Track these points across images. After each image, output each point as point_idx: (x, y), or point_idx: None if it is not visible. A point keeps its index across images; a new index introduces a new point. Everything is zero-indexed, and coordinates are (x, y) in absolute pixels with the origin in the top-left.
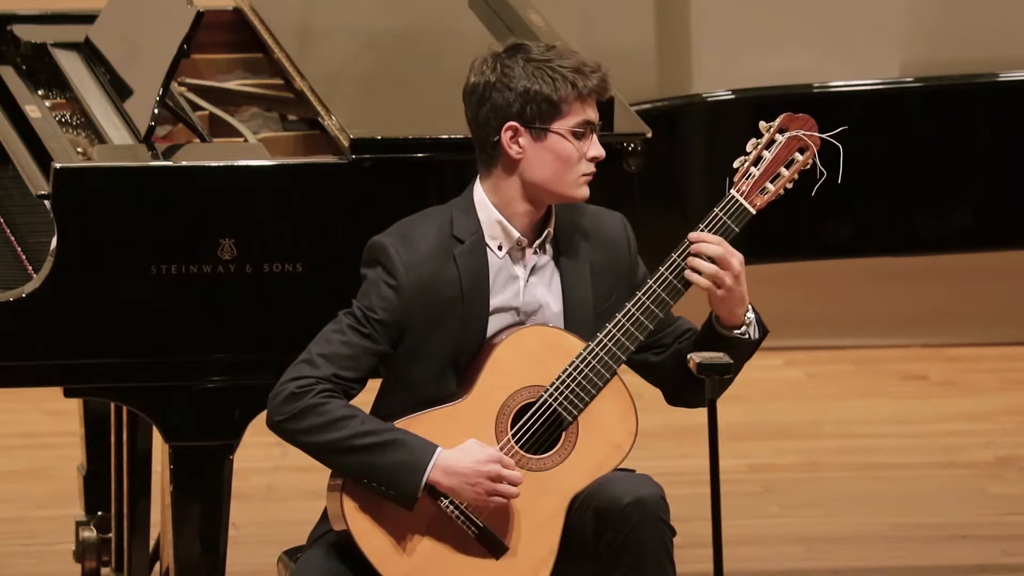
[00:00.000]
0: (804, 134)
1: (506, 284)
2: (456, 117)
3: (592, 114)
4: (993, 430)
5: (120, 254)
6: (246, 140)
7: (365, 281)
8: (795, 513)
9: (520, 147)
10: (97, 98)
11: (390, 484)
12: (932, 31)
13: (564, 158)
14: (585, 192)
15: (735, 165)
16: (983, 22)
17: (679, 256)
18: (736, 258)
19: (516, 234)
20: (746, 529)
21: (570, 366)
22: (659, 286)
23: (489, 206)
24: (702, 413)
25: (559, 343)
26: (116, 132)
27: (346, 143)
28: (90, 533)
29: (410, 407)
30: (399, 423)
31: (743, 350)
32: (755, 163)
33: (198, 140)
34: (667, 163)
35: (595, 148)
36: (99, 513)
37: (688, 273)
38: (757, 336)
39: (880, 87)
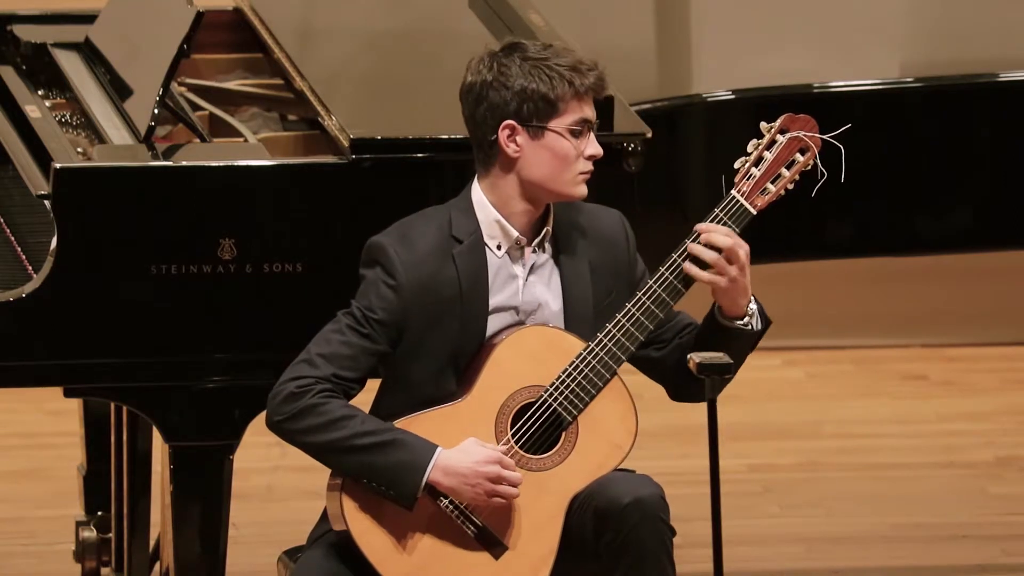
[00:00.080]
0: (805, 135)
1: (505, 283)
2: (456, 117)
3: (589, 112)
4: (993, 430)
5: (120, 254)
6: (246, 140)
7: (364, 281)
8: (795, 513)
9: (517, 146)
10: (97, 98)
11: (390, 484)
12: (932, 31)
13: (562, 156)
14: (583, 190)
15: (736, 165)
16: (983, 22)
17: (679, 256)
18: (743, 249)
19: (515, 233)
20: (746, 529)
21: (570, 366)
22: (659, 286)
23: (487, 205)
24: (702, 413)
25: (559, 343)
26: (116, 132)
27: (346, 143)
28: (90, 533)
29: (409, 407)
30: (399, 423)
31: (746, 341)
32: (756, 164)
33: (198, 140)
34: (667, 163)
35: (593, 146)
36: (99, 513)
37: (687, 266)
38: (760, 327)
39: (880, 87)
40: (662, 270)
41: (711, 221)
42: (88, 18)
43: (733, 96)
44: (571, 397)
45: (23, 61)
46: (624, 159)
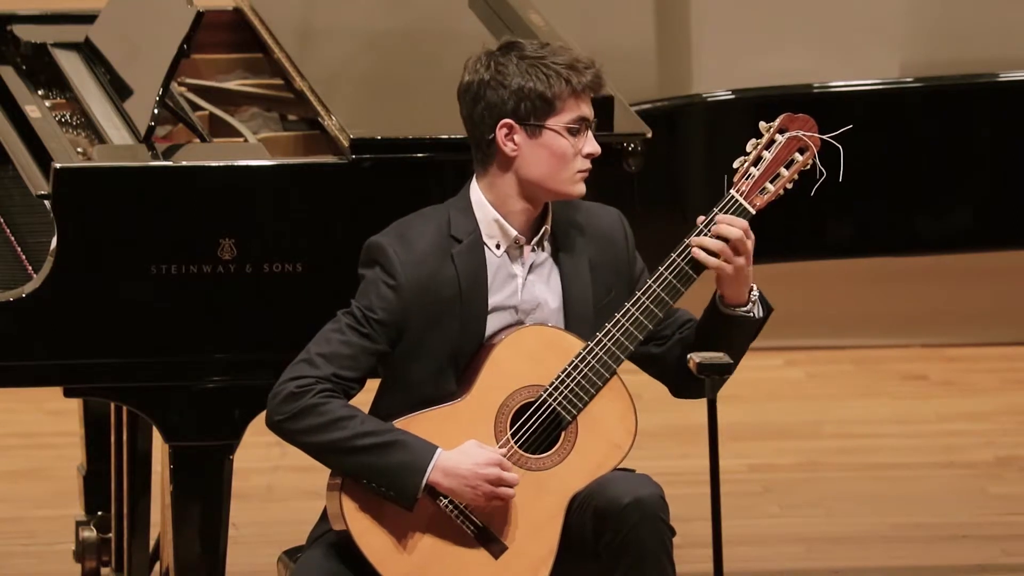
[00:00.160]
0: (804, 134)
1: (504, 283)
2: (456, 117)
3: (587, 110)
4: (993, 430)
5: (120, 254)
6: (246, 140)
7: (363, 281)
8: (795, 513)
9: (515, 144)
10: (97, 98)
11: (390, 485)
12: (932, 31)
13: (559, 155)
14: (581, 189)
15: (735, 165)
16: (983, 22)
17: (679, 256)
18: (751, 240)
19: (513, 232)
20: (746, 529)
21: (569, 366)
22: (659, 286)
23: (486, 205)
24: (702, 413)
25: (558, 343)
26: (116, 132)
27: (346, 143)
28: (90, 533)
29: (409, 407)
30: (398, 423)
31: (748, 328)
32: (755, 163)
33: (198, 140)
34: (667, 163)
35: (590, 144)
36: (99, 513)
37: (697, 252)
38: (762, 314)
39: (880, 87)
40: (661, 270)
41: (710, 220)
42: (88, 18)
43: (733, 96)
44: (570, 397)
45: (23, 61)
46: (624, 159)
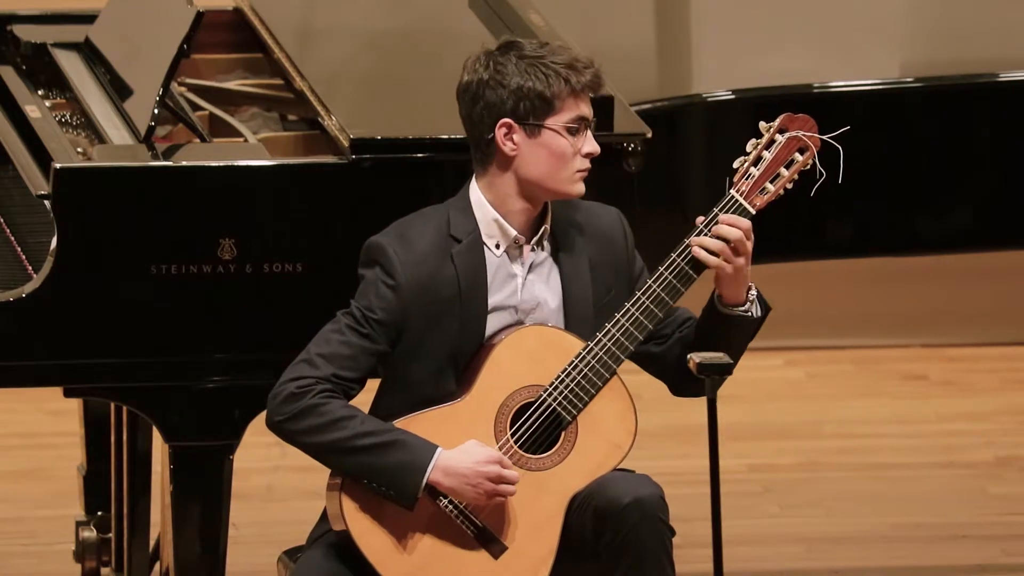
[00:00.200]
0: (804, 135)
1: (504, 282)
2: (456, 117)
3: (586, 110)
4: (993, 430)
5: (120, 254)
6: (246, 140)
7: (363, 281)
8: (795, 513)
9: (514, 144)
10: (97, 98)
11: (390, 485)
12: (932, 31)
13: (558, 154)
14: (580, 188)
15: (735, 165)
16: (983, 22)
17: (679, 256)
18: (751, 241)
19: (513, 232)
20: (746, 529)
21: (569, 366)
22: (659, 286)
23: (485, 204)
24: (702, 413)
25: (558, 343)
26: (116, 132)
27: (346, 143)
28: (90, 533)
29: (409, 407)
30: (398, 423)
31: (747, 328)
32: (755, 163)
33: (198, 140)
34: (667, 163)
35: (590, 144)
36: (99, 513)
37: (697, 251)
38: (760, 314)
39: (880, 87)
40: (661, 270)
41: (710, 220)
42: (88, 18)
43: (733, 96)
44: (570, 397)
45: (23, 61)
46: (624, 159)
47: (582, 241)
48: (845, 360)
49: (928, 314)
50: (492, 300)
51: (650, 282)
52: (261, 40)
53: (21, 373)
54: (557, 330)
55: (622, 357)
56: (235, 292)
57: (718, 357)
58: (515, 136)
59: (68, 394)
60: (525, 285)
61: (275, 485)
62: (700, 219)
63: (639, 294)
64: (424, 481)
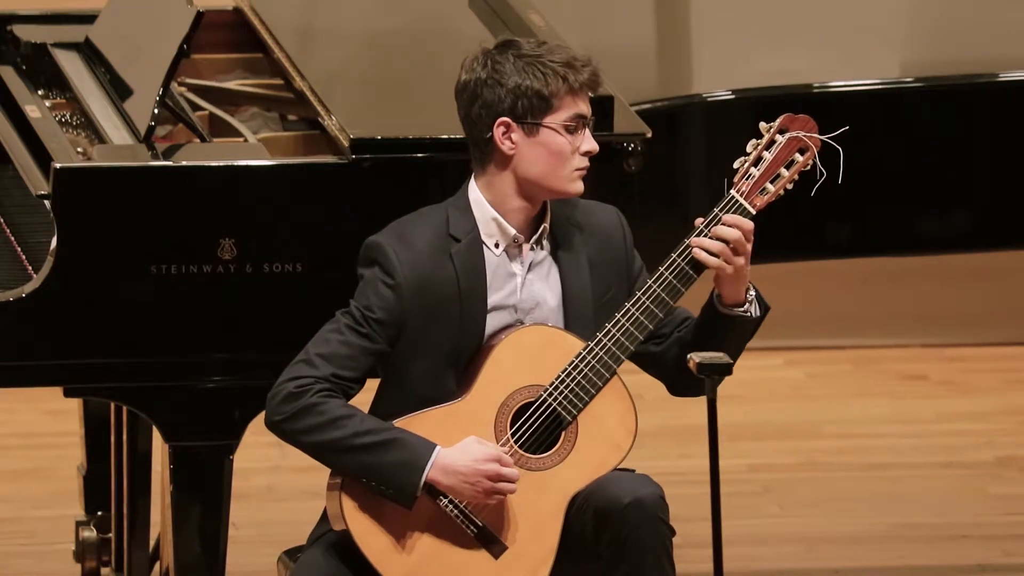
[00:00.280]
0: (804, 135)
1: (504, 282)
2: (456, 117)
3: (584, 108)
4: (993, 430)
5: (120, 254)
6: (246, 140)
7: (362, 281)
8: (795, 513)
9: (513, 143)
10: (97, 98)
11: (389, 483)
12: (932, 31)
13: (557, 152)
14: (579, 187)
15: (735, 165)
16: (983, 22)
17: (679, 256)
18: (751, 241)
19: (512, 231)
20: (746, 529)
21: (569, 365)
22: (659, 286)
23: (484, 204)
24: (702, 413)
25: (559, 342)
26: (116, 132)
27: (346, 143)
28: (90, 533)
29: (408, 407)
30: (398, 422)
31: (746, 328)
32: (755, 164)
33: (198, 140)
34: (667, 163)
35: (588, 142)
36: (99, 513)
37: (698, 252)
38: (759, 313)
39: (880, 87)
40: (662, 270)
41: (710, 221)
42: (88, 18)
43: (733, 96)
44: (571, 397)
45: (23, 61)
46: (624, 159)
47: (581, 240)
48: (845, 360)
49: (928, 314)
50: (491, 299)
51: (650, 282)
52: (261, 40)
53: (21, 373)
54: (557, 330)
55: (622, 357)
56: (235, 292)
57: (718, 357)
58: (513, 135)
59: (68, 394)
60: (525, 284)
61: (275, 485)
62: (700, 220)
63: (639, 294)
64: (422, 480)
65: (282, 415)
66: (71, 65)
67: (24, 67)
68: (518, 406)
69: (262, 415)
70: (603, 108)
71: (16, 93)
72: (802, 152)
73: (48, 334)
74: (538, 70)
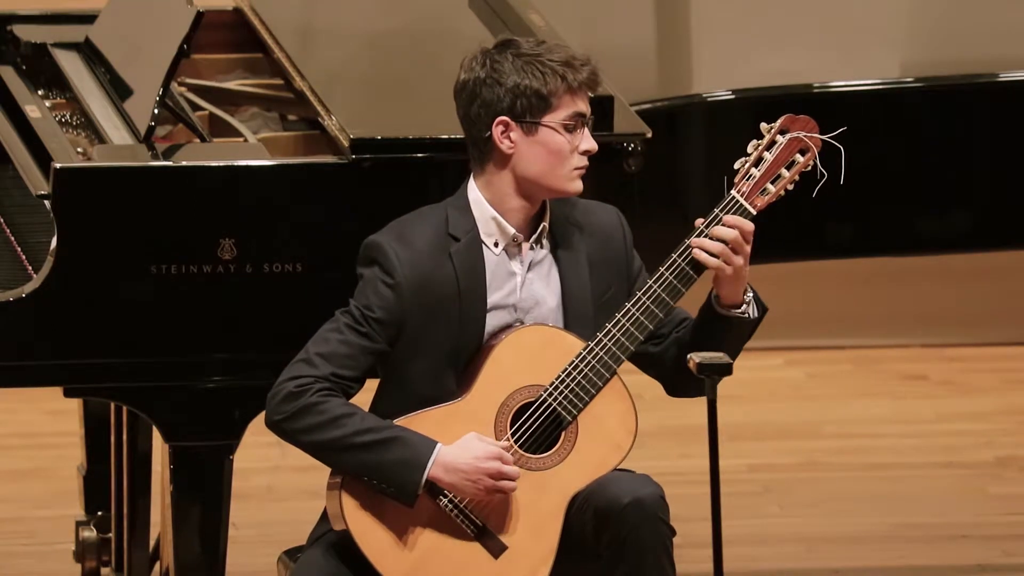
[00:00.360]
0: (805, 136)
1: (503, 281)
2: (456, 117)
3: (583, 107)
4: (993, 430)
5: (120, 254)
6: (246, 140)
7: (361, 280)
8: (795, 513)
9: (512, 142)
10: (97, 98)
11: (390, 482)
12: (932, 31)
13: (556, 151)
14: (578, 186)
15: (736, 166)
16: (983, 22)
17: (680, 256)
18: (751, 243)
19: (511, 230)
20: (746, 529)
21: (569, 365)
22: (659, 286)
23: (483, 203)
24: (702, 413)
25: (559, 342)
26: (116, 132)
27: (346, 143)
28: (90, 533)
29: (408, 406)
30: (398, 422)
31: (744, 329)
32: (756, 164)
33: (198, 140)
34: (667, 163)
35: (587, 141)
36: (99, 513)
37: (698, 253)
38: (756, 315)
39: (880, 87)
40: (662, 270)
41: (710, 221)
42: (88, 18)
43: (733, 96)
44: (571, 397)
45: (23, 61)
46: (624, 159)
47: (581, 239)
48: (845, 360)
49: (928, 314)
50: (491, 299)
51: (651, 282)
52: (261, 40)
53: (21, 373)
54: (558, 330)
55: (622, 357)
56: (235, 292)
57: (718, 357)
58: (512, 134)
59: (68, 394)
60: (524, 283)
61: (275, 485)
62: (700, 220)
63: (639, 294)
64: (424, 477)
65: (282, 415)
66: (71, 65)
67: (24, 67)
68: (518, 406)
69: (262, 415)
70: (603, 108)
71: (16, 93)
72: (803, 153)
73: (48, 334)
74: (537, 69)
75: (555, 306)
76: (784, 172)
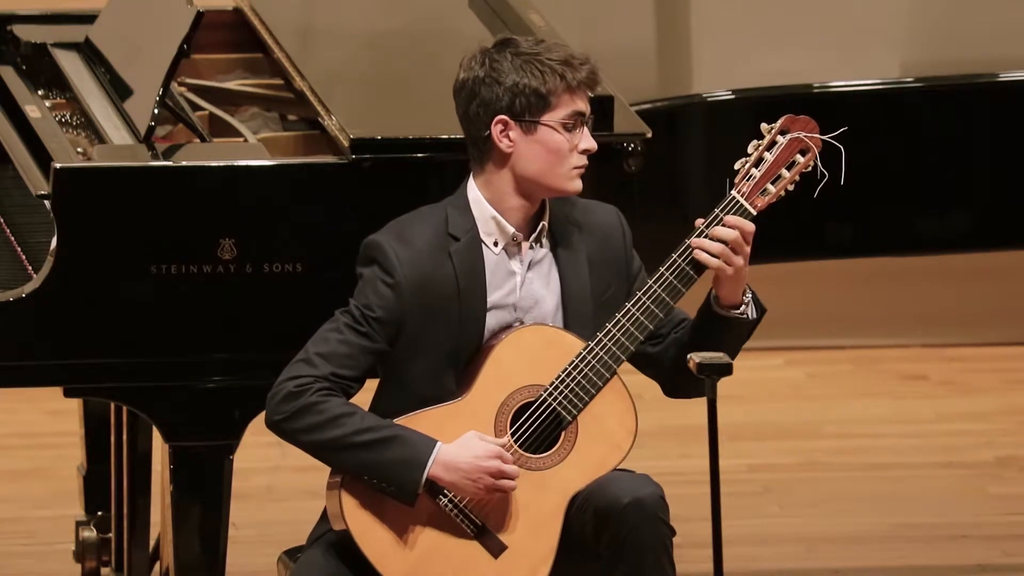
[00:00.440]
0: (805, 136)
1: (503, 280)
2: (456, 117)
3: (582, 106)
4: (993, 430)
5: (120, 254)
6: (246, 140)
7: (361, 280)
8: (795, 513)
9: (511, 141)
10: (97, 98)
11: (391, 480)
12: (932, 31)
13: (555, 150)
14: (578, 185)
15: (736, 166)
16: (983, 22)
17: (680, 257)
18: (751, 243)
19: (511, 229)
20: (746, 529)
21: (569, 365)
22: (660, 286)
23: (483, 202)
24: (702, 413)
25: (559, 342)
26: (116, 132)
27: (346, 143)
28: (90, 533)
29: (408, 406)
30: (398, 421)
31: (742, 329)
32: (756, 164)
33: (198, 140)
34: (667, 163)
35: (586, 140)
36: (99, 513)
37: (698, 253)
38: (755, 316)
39: (880, 87)
40: (662, 270)
41: (711, 221)
42: (88, 18)
43: (733, 96)
44: (571, 396)
45: (23, 61)
46: (624, 159)
47: (580, 238)
48: (845, 360)
49: (928, 314)
50: (491, 298)
51: (651, 282)
52: (261, 40)
53: (21, 373)
54: (558, 330)
55: (622, 357)
56: (235, 292)
57: (718, 357)
58: (511, 133)
59: (68, 394)
60: (524, 283)
61: (275, 485)
62: (700, 220)
63: (639, 294)
64: (424, 476)
65: (282, 414)
66: (71, 65)
67: (24, 67)
68: (518, 406)
69: (262, 415)
70: (603, 108)
71: (16, 93)
72: (803, 153)
73: (48, 334)
74: (536, 68)
75: (555, 305)
76: (784, 172)
